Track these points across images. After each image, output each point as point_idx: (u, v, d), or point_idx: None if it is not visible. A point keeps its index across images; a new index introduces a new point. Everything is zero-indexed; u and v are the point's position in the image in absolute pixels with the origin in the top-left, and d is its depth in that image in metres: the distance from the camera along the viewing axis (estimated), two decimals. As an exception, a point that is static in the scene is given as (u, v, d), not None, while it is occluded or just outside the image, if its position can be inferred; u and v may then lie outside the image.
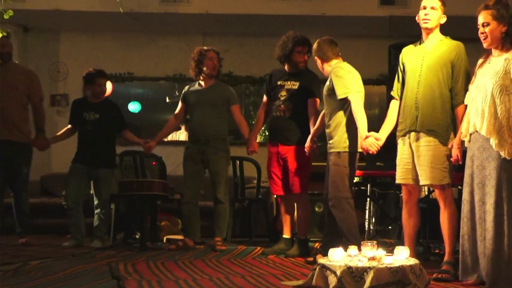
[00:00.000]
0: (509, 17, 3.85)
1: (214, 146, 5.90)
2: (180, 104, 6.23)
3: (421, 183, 4.28)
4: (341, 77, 4.80)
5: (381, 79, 8.79)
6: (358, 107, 4.68)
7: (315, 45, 5.07)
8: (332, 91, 4.84)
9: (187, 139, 6.62)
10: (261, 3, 8.30)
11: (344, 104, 4.80)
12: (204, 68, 5.93)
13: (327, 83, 4.91)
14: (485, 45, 3.90)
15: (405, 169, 4.34)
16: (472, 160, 3.91)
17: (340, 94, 4.76)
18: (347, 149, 4.80)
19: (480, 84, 3.88)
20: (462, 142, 4.11)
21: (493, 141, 3.75)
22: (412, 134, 4.29)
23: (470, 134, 3.94)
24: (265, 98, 5.80)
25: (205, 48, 6.04)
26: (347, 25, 8.44)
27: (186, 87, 6.27)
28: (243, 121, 6.08)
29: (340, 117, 4.83)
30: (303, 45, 5.44)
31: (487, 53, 3.96)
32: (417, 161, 4.27)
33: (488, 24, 3.84)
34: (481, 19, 3.87)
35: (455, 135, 4.21)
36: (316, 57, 5.06)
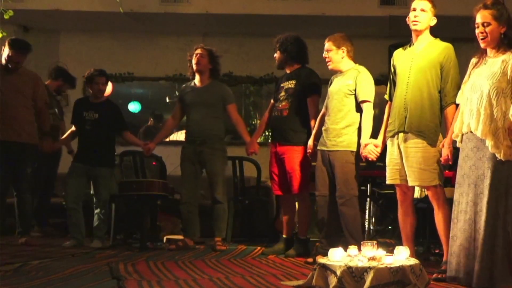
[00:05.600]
0: (508, 18, 3.83)
1: (210, 146, 5.88)
2: (177, 104, 6.21)
3: (410, 183, 4.31)
4: (368, 83, 4.96)
5: (381, 79, 8.75)
6: (370, 116, 4.86)
7: (343, 37, 5.05)
8: (353, 91, 4.91)
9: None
10: (261, 3, 8.30)
11: (360, 106, 4.91)
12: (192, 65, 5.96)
13: (349, 82, 4.93)
14: (483, 45, 3.86)
15: (395, 169, 4.38)
16: (465, 160, 3.89)
17: (362, 97, 4.88)
18: (356, 149, 4.89)
19: (476, 84, 3.84)
20: (453, 142, 4.12)
21: (488, 143, 3.73)
22: (401, 135, 4.33)
23: (463, 135, 3.92)
24: (271, 101, 5.80)
25: (195, 46, 6.04)
26: (347, 25, 8.41)
27: (183, 86, 6.28)
28: (240, 121, 6.05)
29: (355, 118, 4.93)
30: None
31: (481, 53, 3.92)
32: (405, 162, 4.29)
33: (489, 24, 3.79)
34: (480, 18, 3.83)
35: (443, 137, 4.23)
36: (338, 48, 5.00)
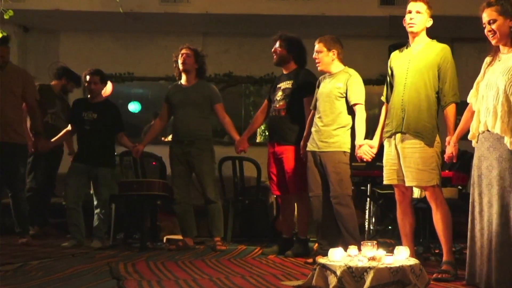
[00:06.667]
0: None
1: (198, 147, 5.86)
2: (164, 105, 6.19)
3: (407, 184, 4.31)
4: (359, 86, 4.98)
5: (381, 79, 8.76)
6: (362, 118, 4.89)
7: (334, 39, 5.08)
8: (344, 94, 4.93)
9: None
10: (261, 3, 8.31)
11: (351, 109, 4.93)
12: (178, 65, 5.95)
13: (339, 84, 4.95)
14: (493, 42, 3.82)
15: (392, 170, 4.39)
16: (480, 160, 3.82)
17: (353, 100, 4.91)
18: (349, 150, 4.90)
19: (491, 81, 3.78)
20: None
21: (507, 140, 3.65)
22: (398, 135, 4.33)
23: (479, 134, 3.85)
24: (265, 101, 5.80)
25: (181, 47, 6.02)
26: (347, 25, 8.44)
27: (169, 87, 6.27)
28: (228, 120, 6.01)
29: (347, 120, 4.95)
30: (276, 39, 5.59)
31: (495, 51, 3.87)
32: (403, 162, 4.30)
33: (495, 21, 3.76)
34: (486, 17, 3.80)
35: (440, 137, 4.22)
36: (328, 50, 5.03)
